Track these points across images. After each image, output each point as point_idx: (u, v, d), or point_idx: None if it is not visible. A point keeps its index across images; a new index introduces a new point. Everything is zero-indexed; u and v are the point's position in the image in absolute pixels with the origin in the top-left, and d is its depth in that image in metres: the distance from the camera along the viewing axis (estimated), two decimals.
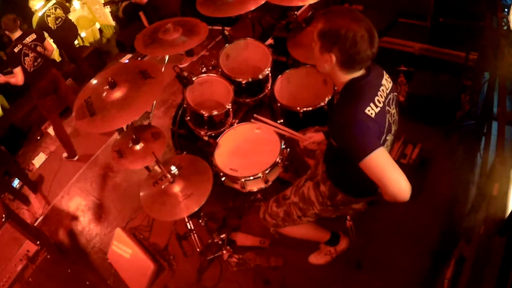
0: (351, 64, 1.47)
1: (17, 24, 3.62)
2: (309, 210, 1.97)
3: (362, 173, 1.50)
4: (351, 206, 1.91)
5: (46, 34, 4.54)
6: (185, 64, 4.52)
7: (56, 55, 5.48)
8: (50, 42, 3.99)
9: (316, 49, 1.52)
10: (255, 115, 2.38)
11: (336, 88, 2.54)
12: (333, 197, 1.87)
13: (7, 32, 3.61)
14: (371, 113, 1.47)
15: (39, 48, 3.69)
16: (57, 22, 4.74)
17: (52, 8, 4.65)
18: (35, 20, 4.67)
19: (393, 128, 1.64)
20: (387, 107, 1.56)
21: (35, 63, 3.66)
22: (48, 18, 4.65)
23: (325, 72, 1.56)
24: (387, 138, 1.59)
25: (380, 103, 1.52)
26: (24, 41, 3.58)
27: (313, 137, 2.14)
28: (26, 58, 3.58)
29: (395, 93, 1.65)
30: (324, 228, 2.30)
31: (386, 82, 1.60)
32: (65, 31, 4.95)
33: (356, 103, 1.47)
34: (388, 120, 1.57)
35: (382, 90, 1.55)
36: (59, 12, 4.77)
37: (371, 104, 1.48)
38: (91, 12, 6.08)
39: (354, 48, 1.40)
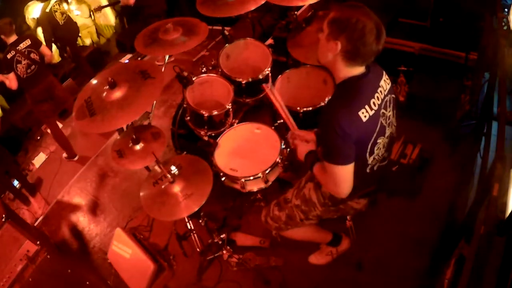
0: (355, 56, 1.46)
1: (12, 28, 3.56)
2: (311, 212, 1.97)
3: (358, 167, 1.56)
4: (352, 205, 1.91)
5: (42, 39, 4.55)
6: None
7: (56, 55, 5.48)
8: (46, 47, 3.95)
9: (322, 37, 1.51)
10: (266, 85, 2.16)
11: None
12: (334, 197, 1.86)
13: (2, 36, 3.56)
14: (365, 116, 1.48)
15: (33, 55, 3.62)
16: (63, 17, 4.74)
17: (56, 4, 4.66)
18: (42, 16, 4.66)
19: (388, 131, 1.65)
20: (382, 110, 1.57)
21: (28, 70, 3.60)
22: (56, 13, 4.64)
23: (325, 62, 1.55)
24: (378, 141, 1.60)
25: (375, 105, 1.52)
26: (17, 47, 3.52)
27: (303, 134, 2.00)
28: (18, 65, 3.53)
29: (393, 95, 1.65)
30: (326, 230, 2.30)
31: (385, 84, 1.59)
32: (70, 28, 4.95)
33: (350, 103, 1.48)
34: (381, 123, 1.57)
35: (380, 91, 1.55)
36: (62, 8, 4.78)
37: (366, 107, 1.49)
38: (89, 15, 6.08)
39: (361, 39, 1.41)
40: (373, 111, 1.51)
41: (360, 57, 1.46)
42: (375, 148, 1.62)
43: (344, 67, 1.51)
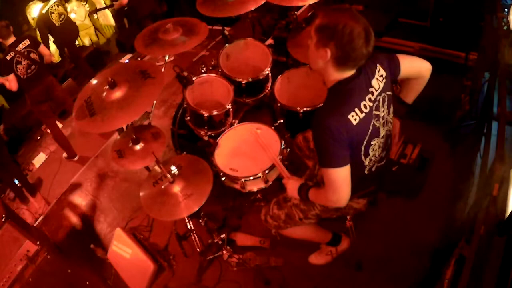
0: (345, 60, 1.45)
1: (10, 30, 3.56)
2: (310, 211, 1.97)
3: (355, 170, 1.55)
4: (351, 205, 1.91)
5: (40, 39, 4.54)
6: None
7: (56, 55, 5.48)
8: (45, 47, 3.95)
9: (311, 45, 1.51)
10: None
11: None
12: None
13: (0, 39, 3.56)
14: (355, 119, 1.48)
15: (32, 55, 3.62)
16: (60, 18, 4.74)
17: (54, 5, 4.66)
18: (38, 17, 4.66)
19: (383, 131, 1.63)
20: (374, 112, 1.55)
21: (28, 70, 3.60)
22: (52, 15, 4.65)
23: (317, 68, 1.55)
24: (372, 143, 1.60)
25: (366, 108, 1.52)
26: (17, 48, 3.52)
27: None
28: (18, 65, 3.52)
29: (388, 92, 1.61)
30: (325, 229, 2.30)
31: (377, 83, 1.56)
32: (68, 29, 4.95)
33: (339, 108, 1.48)
34: (374, 125, 1.57)
35: (371, 92, 1.54)
36: (61, 9, 4.78)
37: (356, 110, 1.49)
38: (85, 17, 6.08)
39: (350, 44, 1.39)
40: (363, 114, 1.51)
41: (351, 61, 1.45)
42: (370, 150, 1.62)
43: (335, 71, 1.50)
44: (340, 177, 1.53)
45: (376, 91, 1.55)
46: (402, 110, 1.75)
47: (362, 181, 1.72)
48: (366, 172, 1.70)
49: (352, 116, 1.48)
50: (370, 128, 1.56)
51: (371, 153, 1.63)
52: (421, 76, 1.76)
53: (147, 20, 4.74)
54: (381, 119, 1.60)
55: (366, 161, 1.65)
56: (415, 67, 1.73)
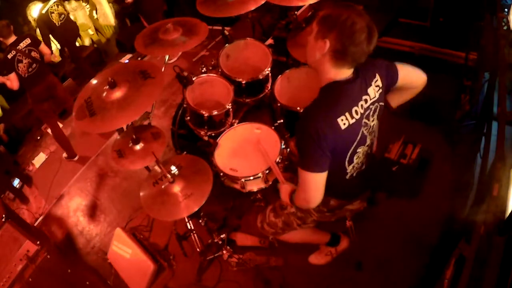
0: (344, 55, 1.37)
1: (10, 29, 3.56)
2: (308, 218, 1.95)
3: (336, 175, 1.54)
4: (347, 208, 1.91)
5: (41, 38, 4.54)
6: None
7: (56, 55, 5.47)
8: (45, 46, 3.95)
9: (311, 37, 1.45)
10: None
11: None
12: (327, 204, 1.83)
13: (0, 39, 3.56)
14: (344, 123, 1.43)
15: (33, 54, 3.63)
16: (60, 18, 4.74)
17: (54, 5, 4.66)
18: (38, 17, 4.67)
19: (369, 139, 1.60)
20: (364, 120, 1.50)
21: (30, 69, 3.61)
22: (52, 15, 4.65)
23: (313, 62, 1.48)
24: (358, 150, 1.57)
25: (357, 114, 1.46)
26: (18, 47, 3.53)
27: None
28: (19, 64, 3.53)
29: (382, 103, 1.57)
30: (324, 231, 2.30)
31: (373, 91, 1.51)
32: (68, 29, 4.95)
33: (329, 109, 1.42)
34: (363, 133, 1.53)
35: (365, 99, 1.48)
36: (61, 9, 4.78)
37: (347, 114, 1.43)
38: (87, 17, 6.08)
39: (351, 38, 1.33)
40: (353, 120, 1.45)
41: (349, 57, 1.38)
42: (355, 157, 1.58)
43: (332, 67, 1.43)
44: (314, 182, 1.49)
45: (371, 99, 1.51)
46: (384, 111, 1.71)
47: (346, 187, 1.71)
48: (347, 177, 1.67)
49: (342, 120, 1.42)
50: (359, 135, 1.52)
51: (355, 161, 1.60)
52: (415, 86, 1.73)
53: (158, 15, 4.76)
54: (370, 128, 1.56)
55: (349, 168, 1.62)
56: (412, 78, 1.69)
